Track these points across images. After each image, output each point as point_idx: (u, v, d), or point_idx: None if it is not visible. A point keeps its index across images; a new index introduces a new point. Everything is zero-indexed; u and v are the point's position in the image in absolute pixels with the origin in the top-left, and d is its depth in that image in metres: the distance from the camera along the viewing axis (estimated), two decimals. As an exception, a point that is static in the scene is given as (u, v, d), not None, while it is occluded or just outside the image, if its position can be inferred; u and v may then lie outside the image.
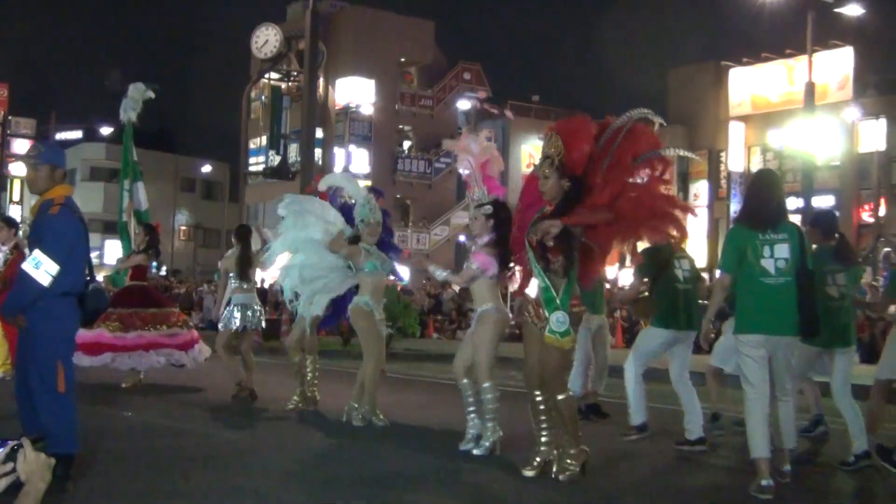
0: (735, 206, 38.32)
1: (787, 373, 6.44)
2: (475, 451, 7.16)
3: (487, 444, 7.17)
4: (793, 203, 33.93)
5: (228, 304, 10.66)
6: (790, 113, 34.36)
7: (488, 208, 7.11)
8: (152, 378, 11.69)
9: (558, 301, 6.14)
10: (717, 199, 39.87)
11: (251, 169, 45.37)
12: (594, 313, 8.96)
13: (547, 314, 6.18)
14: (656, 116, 6.46)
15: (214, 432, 8.40)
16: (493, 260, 7.04)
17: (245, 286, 10.51)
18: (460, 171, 7.56)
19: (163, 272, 42.63)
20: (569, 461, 6.30)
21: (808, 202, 25.36)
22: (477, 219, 7.16)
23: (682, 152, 6.52)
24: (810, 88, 25.19)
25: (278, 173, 43.72)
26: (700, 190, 40.38)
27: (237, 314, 10.40)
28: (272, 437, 8.22)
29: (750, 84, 39.21)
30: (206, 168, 58.45)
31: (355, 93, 44.58)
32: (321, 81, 40.61)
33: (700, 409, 7.88)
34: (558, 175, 6.20)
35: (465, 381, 7.40)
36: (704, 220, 38.17)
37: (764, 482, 6.01)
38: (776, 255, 6.17)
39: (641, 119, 6.32)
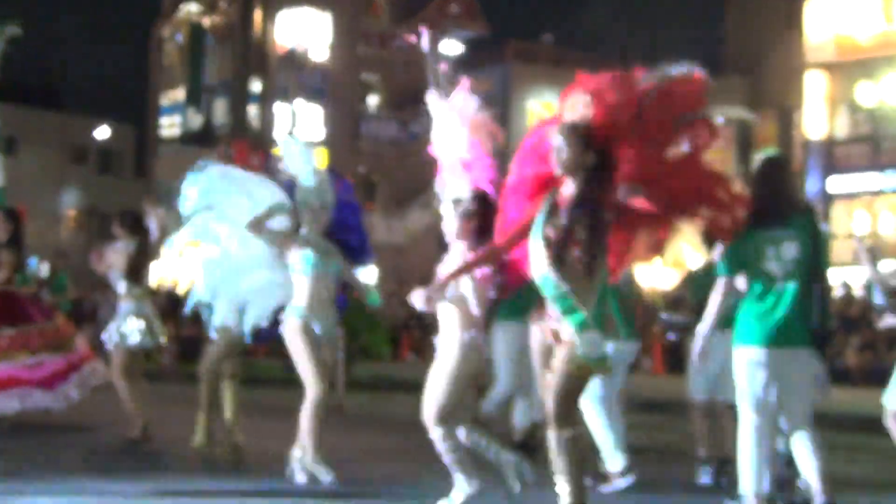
0: (816, 184, 38.43)
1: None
2: None
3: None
4: (892, 181, 34.05)
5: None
6: (887, 60, 34.40)
7: (467, 205, 7.20)
8: (26, 414, 11.62)
9: (586, 314, 6.21)
10: (790, 175, 39.92)
11: (163, 133, 45.23)
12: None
13: (573, 331, 6.23)
14: (700, 71, 6.50)
15: (107, 488, 8.36)
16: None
17: (135, 291, 10.51)
18: (432, 147, 7.57)
19: (43, 272, 42.44)
20: None
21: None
22: (453, 217, 7.26)
23: (735, 112, 6.60)
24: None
25: (200, 138, 43.64)
26: (767, 162, 40.40)
27: (132, 327, 10.38)
28: (185, 490, 8.15)
29: (834, 21, 39.22)
30: (104, 132, 57.97)
31: (304, 31, 44.44)
32: (257, 14, 40.48)
33: None
34: (582, 146, 6.29)
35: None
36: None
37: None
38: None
39: (681, 75, 6.46)
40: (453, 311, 7.19)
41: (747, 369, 6.92)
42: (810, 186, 38.34)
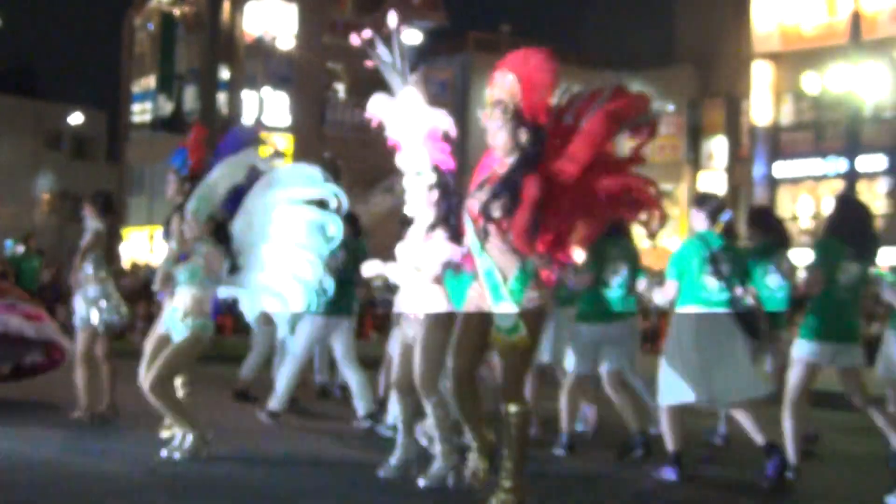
0: (762, 169, 38.53)
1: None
2: (421, 481, 7.24)
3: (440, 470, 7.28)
4: (834, 166, 34.18)
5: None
6: (831, 50, 34.53)
7: (429, 176, 7.22)
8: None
9: (506, 288, 6.21)
10: (738, 161, 40.05)
11: (135, 119, 44.87)
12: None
13: (492, 303, 6.27)
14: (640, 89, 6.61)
15: (78, 463, 8.41)
16: (453, 244, 7.06)
17: (102, 274, 10.45)
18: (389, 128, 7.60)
19: (20, 249, 42.07)
20: (504, 497, 6.21)
21: (852, 164, 25.42)
22: (418, 191, 7.28)
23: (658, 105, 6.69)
24: (856, 19, 25.26)
25: (170, 125, 43.32)
26: (716, 148, 40.51)
27: (99, 308, 10.35)
28: (147, 466, 8.17)
29: (779, 13, 39.34)
30: (77, 118, 57.49)
31: (271, 20, 44.19)
32: (226, 4, 40.17)
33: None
34: (514, 125, 6.30)
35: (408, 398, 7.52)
36: (723, 188, 38.34)
37: None
38: None
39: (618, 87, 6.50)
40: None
41: None
42: (757, 172, 38.53)
